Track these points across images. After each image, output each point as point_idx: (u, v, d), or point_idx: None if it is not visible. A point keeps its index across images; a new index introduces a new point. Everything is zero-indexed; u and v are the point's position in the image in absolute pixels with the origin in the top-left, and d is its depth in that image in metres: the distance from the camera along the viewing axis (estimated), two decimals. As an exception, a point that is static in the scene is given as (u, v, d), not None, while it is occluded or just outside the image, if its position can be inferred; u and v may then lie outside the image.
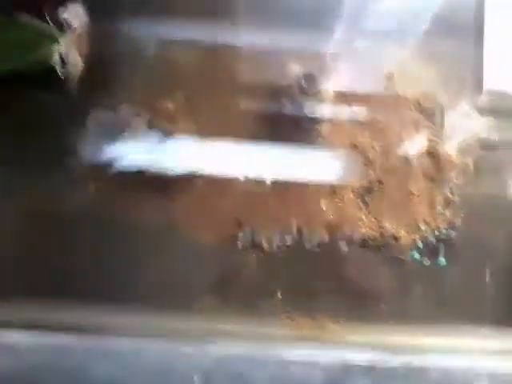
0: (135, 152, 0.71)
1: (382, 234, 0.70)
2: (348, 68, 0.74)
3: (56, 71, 0.70)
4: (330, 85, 0.73)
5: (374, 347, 0.63)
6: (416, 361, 0.58)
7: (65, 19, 0.68)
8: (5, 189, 0.70)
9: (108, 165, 0.71)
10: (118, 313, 0.67)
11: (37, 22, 0.68)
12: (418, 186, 0.72)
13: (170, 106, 0.73)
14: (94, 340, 0.59)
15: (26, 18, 0.68)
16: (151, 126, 0.71)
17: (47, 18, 0.68)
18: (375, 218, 0.70)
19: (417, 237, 0.70)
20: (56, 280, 0.68)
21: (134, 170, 0.70)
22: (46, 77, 0.70)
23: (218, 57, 0.75)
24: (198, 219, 0.71)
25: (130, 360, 0.57)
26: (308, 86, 0.71)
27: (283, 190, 0.71)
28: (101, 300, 0.67)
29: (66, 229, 0.70)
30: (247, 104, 0.74)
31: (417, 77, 0.75)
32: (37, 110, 0.72)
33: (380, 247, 0.70)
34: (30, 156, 0.71)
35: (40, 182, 0.71)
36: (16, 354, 0.56)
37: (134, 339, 0.63)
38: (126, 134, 0.71)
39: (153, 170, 0.70)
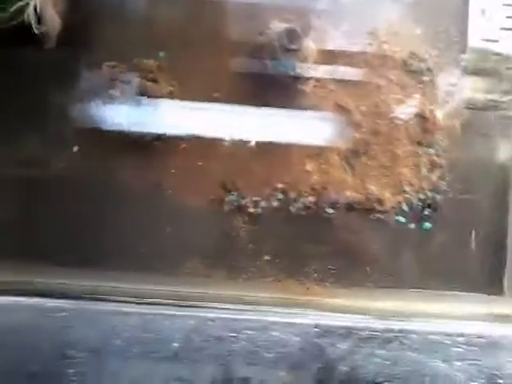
0: (118, 112, 0.69)
1: (367, 197, 0.69)
2: (334, 25, 0.72)
3: (31, 27, 0.67)
4: (314, 43, 0.71)
5: (357, 311, 0.63)
6: (397, 326, 0.58)
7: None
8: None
9: (92, 125, 0.69)
10: (102, 277, 0.66)
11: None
12: (404, 148, 0.71)
13: (152, 64, 0.70)
14: (79, 304, 0.58)
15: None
16: (133, 85, 0.69)
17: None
18: (361, 181, 0.70)
19: (402, 200, 0.69)
20: (41, 243, 0.67)
21: (118, 130, 0.68)
22: (21, 33, 0.67)
23: (200, 14, 0.73)
24: (183, 181, 0.70)
25: (115, 323, 0.57)
26: (290, 43, 0.68)
27: (268, 152, 0.70)
28: (84, 264, 0.67)
29: (50, 191, 0.69)
30: (230, 63, 0.72)
31: (404, 36, 0.73)
32: (15, 68, 0.69)
33: (365, 210, 0.69)
34: (10, 116, 0.69)
35: (22, 143, 0.69)
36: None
37: (119, 303, 0.62)
38: (106, 94, 0.69)
39: (136, 130, 0.68)
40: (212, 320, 0.54)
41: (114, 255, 0.68)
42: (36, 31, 0.67)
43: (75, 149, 0.69)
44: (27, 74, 0.70)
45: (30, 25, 0.67)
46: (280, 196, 0.69)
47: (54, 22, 0.67)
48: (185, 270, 0.68)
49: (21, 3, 0.65)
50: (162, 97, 0.69)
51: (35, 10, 0.66)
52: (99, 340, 0.52)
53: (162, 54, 0.71)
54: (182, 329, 0.53)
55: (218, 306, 0.58)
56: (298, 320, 0.58)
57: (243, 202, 0.69)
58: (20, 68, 0.70)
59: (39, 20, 0.66)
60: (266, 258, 0.68)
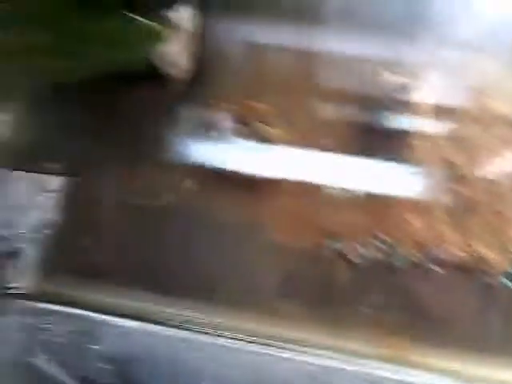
0: (227, 152, 0.72)
1: (470, 255, 0.68)
2: (438, 80, 0.73)
3: (159, 68, 0.72)
4: (421, 97, 0.72)
5: (446, 373, 0.62)
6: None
7: (174, 19, 0.69)
8: (99, 178, 0.73)
9: (198, 162, 0.73)
10: (198, 307, 0.69)
11: (146, 20, 0.71)
12: (511, 206, 0.69)
13: (261, 108, 0.73)
14: (183, 334, 0.61)
15: (135, 15, 0.71)
16: (242, 127, 0.72)
17: (157, 16, 0.70)
18: (465, 238, 0.69)
19: (508, 261, 0.68)
20: (143, 271, 0.71)
21: (223, 168, 0.72)
22: (149, 73, 0.72)
23: (308, 62, 0.75)
24: (283, 222, 0.71)
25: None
26: (400, 97, 0.70)
27: (371, 202, 0.71)
28: (183, 293, 0.69)
29: (154, 221, 0.72)
30: (337, 112, 0.74)
31: (509, 92, 0.72)
32: (137, 105, 0.74)
33: (468, 269, 0.68)
34: (128, 147, 0.74)
35: (130, 175, 0.73)
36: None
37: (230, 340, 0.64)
38: (217, 132, 0.72)
39: (244, 171, 0.71)
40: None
41: (215, 290, 0.70)
42: (164, 73, 0.72)
43: (186, 183, 0.73)
44: (146, 109, 0.74)
45: (157, 65, 0.72)
46: (381, 246, 0.69)
47: (181, 64, 0.71)
48: (280, 311, 0.69)
49: (151, 45, 0.70)
50: (270, 140, 0.72)
51: (166, 53, 0.71)
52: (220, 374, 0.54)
53: (271, 98, 0.73)
54: (302, 374, 0.54)
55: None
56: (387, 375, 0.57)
57: (343, 249, 0.69)
58: (141, 104, 0.75)
59: (167, 62, 0.71)
60: (363, 308, 0.68)
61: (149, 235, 0.72)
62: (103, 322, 0.61)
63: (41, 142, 0.76)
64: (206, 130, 0.73)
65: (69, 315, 0.62)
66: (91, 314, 0.60)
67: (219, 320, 0.66)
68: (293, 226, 0.71)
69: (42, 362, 0.61)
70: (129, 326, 0.60)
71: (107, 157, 0.74)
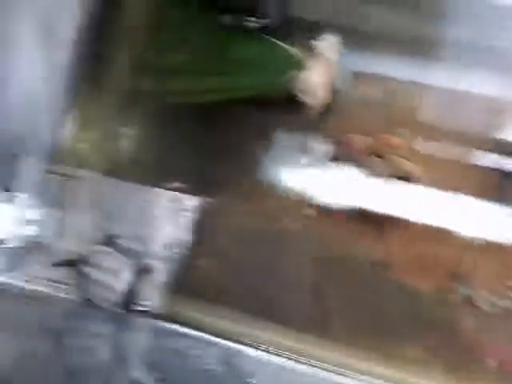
0: (355, 187, 0.71)
1: None
2: None
3: (295, 96, 0.72)
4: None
5: None
6: None
7: (317, 48, 0.69)
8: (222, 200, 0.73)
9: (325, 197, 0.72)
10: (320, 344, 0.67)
11: (288, 46, 0.70)
12: None
13: (397, 143, 0.72)
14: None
15: (278, 41, 0.70)
16: (377, 161, 0.71)
17: (299, 43, 0.70)
18: None
19: None
20: (262, 301, 0.70)
21: (348, 205, 0.70)
22: (285, 99, 0.72)
23: (437, 99, 0.74)
24: (410, 263, 0.70)
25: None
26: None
27: (505, 250, 0.69)
28: (304, 327, 0.68)
29: (273, 248, 0.71)
30: (472, 155, 0.72)
31: None
32: (267, 130, 0.74)
33: None
34: (245, 171, 0.74)
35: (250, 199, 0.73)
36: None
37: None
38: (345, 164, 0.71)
39: (367, 207, 0.70)
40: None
41: (332, 326, 0.68)
42: (298, 100, 0.71)
43: (307, 212, 0.72)
44: (272, 135, 0.74)
45: (293, 93, 0.71)
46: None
47: (319, 95, 0.71)
48: (403, 354, 0.67)
49: (291, 72, 0.69)
50: (407, 175, 0.70)
51: (303, 79, 0.70)
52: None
53: (403, 133, 0.72)
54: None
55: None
56: None
57: (472, 295, 0.67)
58: (271, 129, 0.74)
59: (306, 90, 0.71)
60: (490, 359, 0.66)
61: (267, 263, 0.71)
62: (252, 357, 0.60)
63: (163, 160, 0.75)
64: (333, 161, 0.72)
65: (203, 341, 0.60)
66: (230, 344, 0.59)
67: (348, 362, 0.65)
68: (420, 267, 0.70)
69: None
70: (277, 362, 0.59)
71: (228, 180, 0.74)
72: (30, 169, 0.66)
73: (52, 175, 0.69)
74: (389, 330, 0.68)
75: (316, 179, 0.73)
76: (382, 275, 0.70)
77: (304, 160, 0.74)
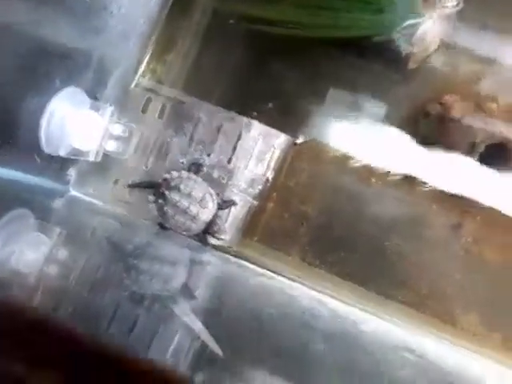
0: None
1: None
2: None
3: (394, 43, 0.67)
4: None
5: None
6: None
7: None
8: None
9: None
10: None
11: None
12: None
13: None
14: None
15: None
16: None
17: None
18: None
19: None
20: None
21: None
22: (386, 46, 0.67)
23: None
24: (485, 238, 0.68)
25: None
26: None
27: None
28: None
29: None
30: None
31: None
32: (364, 78, 0.70)
33: None
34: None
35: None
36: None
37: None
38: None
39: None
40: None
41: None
42: (403, 51, 0.67)
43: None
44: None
45: (397, 43, 0.67)
46: None
47: (428, 46, 0.66)
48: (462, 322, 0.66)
49: (412, 22, 0.65)
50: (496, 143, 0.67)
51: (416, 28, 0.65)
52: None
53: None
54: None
55: None
56: None
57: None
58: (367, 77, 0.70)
59: (413, 38, 0.66)
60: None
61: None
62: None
63: (240, 87, 0.72)
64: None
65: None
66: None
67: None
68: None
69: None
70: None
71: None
72: (117, 81, 0.62)
73: (137, 89, 0.65)
74: (449, 298, 0.67)
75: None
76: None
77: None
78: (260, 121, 0.67)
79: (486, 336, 0.66)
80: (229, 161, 0.62)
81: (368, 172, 0.69)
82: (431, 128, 0.68)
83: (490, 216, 0.66)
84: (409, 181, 0.68)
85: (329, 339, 0.53)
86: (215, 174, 0.62)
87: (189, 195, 0.59)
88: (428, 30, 0.66)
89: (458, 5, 0.65)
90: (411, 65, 0.68)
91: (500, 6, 0.67)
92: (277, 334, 0.52)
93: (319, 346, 0.51)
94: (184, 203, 0.59)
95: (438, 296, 0.68)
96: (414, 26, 0.65)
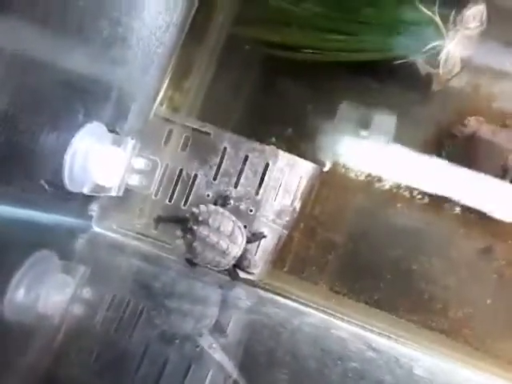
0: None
1: None
2: None
3: (415, 66, 0.66)
4: None
5: None
6: None
7: (463, 18, 0.63)
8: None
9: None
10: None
11: (429, 13, 0.64)
12: None
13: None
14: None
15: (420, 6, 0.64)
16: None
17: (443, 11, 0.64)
18: None
19: None
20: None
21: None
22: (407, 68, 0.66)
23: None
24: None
25: None
26: None
27: None
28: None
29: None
30: None
31: None
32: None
33: None
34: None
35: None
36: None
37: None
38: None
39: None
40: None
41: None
42: (428, 71, 0.66)
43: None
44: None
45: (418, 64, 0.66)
46: None
47: (452, 68, 0.65)
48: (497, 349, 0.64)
49: (435, 44, 0.64)
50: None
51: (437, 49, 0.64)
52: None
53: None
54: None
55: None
56: None
57: None
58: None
59: (435, 60, 0.65)
60: None
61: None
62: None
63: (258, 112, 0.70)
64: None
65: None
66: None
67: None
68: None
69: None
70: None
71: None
72: (137, 113, 0.60)
73: (157, 120, 0.63)
74: (481, 323, 0.65)
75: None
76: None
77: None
78: (279, 146, 0.65)
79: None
80: (256, 192, 0.60)
81: (394, 196, 0.67)
82: (458, 151, 0.66)
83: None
84: (436, 203, 0.67)
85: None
86: (242, 206, 0.60)
87: (218, 230, 0.57)
88: (451, 52, 0.65)
89: (481, 25, 0.64)
90: (435, 87, 0.67)
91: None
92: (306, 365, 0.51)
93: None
94: (213, 238, 0.57)
95: (471, 322, 0.66)
96: (437, 48, 0.64)
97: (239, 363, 0.49)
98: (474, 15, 0.63)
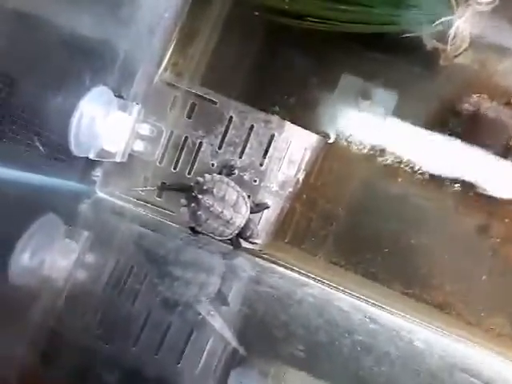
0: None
1: None
2: None
3: (423, 40, 0.66)
4: None
5: None
6: None
7: (473, -5, 0.63)
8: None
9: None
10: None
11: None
12: None
13: None
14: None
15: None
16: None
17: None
18: None
19: None
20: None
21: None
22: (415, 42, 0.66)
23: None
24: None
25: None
26: None
27: None
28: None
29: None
30: None
31: None
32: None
33: None
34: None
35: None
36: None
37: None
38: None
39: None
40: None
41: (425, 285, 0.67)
42: (436, 46, 0.65)
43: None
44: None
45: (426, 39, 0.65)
46: None
47: (460, 44, 0.65)
48: (489, 325, 0.66)
49: (445, 19, 0.63)
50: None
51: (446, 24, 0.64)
52: None
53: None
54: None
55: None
56: None
57: None
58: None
59: (443, 35, 0.65)
60: None
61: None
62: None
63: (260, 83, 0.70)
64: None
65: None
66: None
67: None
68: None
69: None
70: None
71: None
72: (143, 78, 0.59)
73: (163, 86, 0.62)
74: (475, 298, 0.67)
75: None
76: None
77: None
78: (282, 115, 0.65)
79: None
80: (261, 163, 0.61)
81: (395, 170, 0.68)
82: (461, 128, 0.67)
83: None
84: (436, 179, 0.68)
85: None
86: (247, 177, 0.61)
87: (222, 199, 0.58)
88: (460, 28, 0.64)
89: (493, 1, 0.63)
90: (442, 62, 0.66)
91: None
92: (303, 332, 0.52)
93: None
94: (217, 208, 0.57)
95: (464, 297, 0.68)
96: (447, 24, 0.64)
97: (240, 332, 0.50)
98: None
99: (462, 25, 0.64)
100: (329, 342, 0.49)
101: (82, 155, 0.54)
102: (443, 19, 0.64)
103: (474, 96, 0.68)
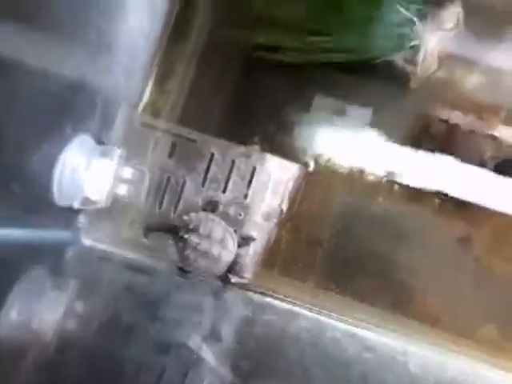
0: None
1: None
2: None
3: (398, 65, 0.68)
4: None
5: None
6: None
7: (438, 17, 0.65)
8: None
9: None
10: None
11: (407, 12, 0.65)
12: None
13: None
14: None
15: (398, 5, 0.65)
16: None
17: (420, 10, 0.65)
18: None
19: None
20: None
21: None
22: (385, 67, 0.68)
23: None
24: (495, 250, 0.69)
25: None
26: None
27: None
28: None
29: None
30: None
31: None
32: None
33: None
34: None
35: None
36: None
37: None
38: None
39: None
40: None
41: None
42: (406, 69, 0.67)
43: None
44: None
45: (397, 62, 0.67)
46: None
47: (429, 66, 0.67)
48: (479, 334, 0.67)
49: (414, 43, 0.65)
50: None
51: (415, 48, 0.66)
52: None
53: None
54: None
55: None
56: None
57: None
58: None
59: (412, 60, 0.67)
60: None
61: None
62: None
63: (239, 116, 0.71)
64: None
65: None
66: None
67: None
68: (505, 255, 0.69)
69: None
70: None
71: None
72: (122, 120, 0.60)
73: (143, 128, 0.62)
74: (463, 310, 0.68)
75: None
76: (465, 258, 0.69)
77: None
78: (262, 145, 0.66)
79: (503, 346, 0.68)
80: (244, 196, 0.61)
81: (375, 189, 0.69)
82: (436, 144, 0.69)
83: (501, 227, 0.68)
84: (416, 194, 0.69)
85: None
86: (231, 211, 0.61)
87: (208, 236, 0.58)
88: (429, 50, 0.66)
89: (458, 25, 0.65)
90: (412, 85, 0.68)
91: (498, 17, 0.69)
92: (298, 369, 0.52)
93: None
94: (205, 245, 0.58)
95: (451, 310, 0.69)
96: (416, 48, 0.66)
97: (235, 368, 0.50)
98: (451, 14, 0.65)
99: (430, 48, 0.66)
100: (325, 375, 0.49)
101: (66, 205, 0.54)
102: (412, 44, 0.66)
103: (447, 112, 0.69)
